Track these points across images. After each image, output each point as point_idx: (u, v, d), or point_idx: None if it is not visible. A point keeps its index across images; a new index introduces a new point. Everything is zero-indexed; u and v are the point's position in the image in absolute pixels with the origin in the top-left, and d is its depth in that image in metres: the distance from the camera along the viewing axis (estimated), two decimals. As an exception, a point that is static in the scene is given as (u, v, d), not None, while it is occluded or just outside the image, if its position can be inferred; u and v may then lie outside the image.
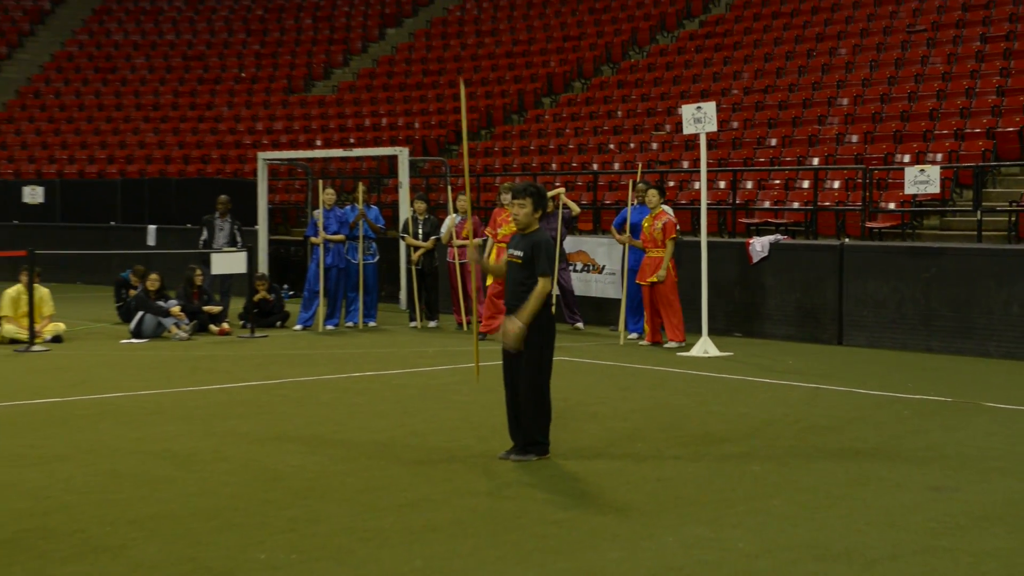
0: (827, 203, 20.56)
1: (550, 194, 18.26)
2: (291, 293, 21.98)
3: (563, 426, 10.38)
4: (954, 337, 15.11)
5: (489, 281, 17.09)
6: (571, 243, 18.58)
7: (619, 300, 17.07)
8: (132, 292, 18.54)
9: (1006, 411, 11.34)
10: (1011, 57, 23.32)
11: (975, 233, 18.11)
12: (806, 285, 16.66)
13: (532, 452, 9.08)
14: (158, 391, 12.55)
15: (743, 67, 27.78)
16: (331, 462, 9.13)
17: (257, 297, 18.23)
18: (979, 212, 18.18)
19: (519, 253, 9.12)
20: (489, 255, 16.89)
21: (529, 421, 9.06)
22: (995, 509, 7.77)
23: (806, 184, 21.36)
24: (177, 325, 17.13)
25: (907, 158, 20.62)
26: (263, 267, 21.74)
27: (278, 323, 18.65)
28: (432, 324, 18.48)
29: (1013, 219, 18.19)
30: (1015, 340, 14.55)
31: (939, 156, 20.37)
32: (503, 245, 16.79)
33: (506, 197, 17.07)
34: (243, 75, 38.06)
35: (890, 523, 7.43)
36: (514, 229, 16.51)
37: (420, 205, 18.71)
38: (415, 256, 18.42)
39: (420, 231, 18.43)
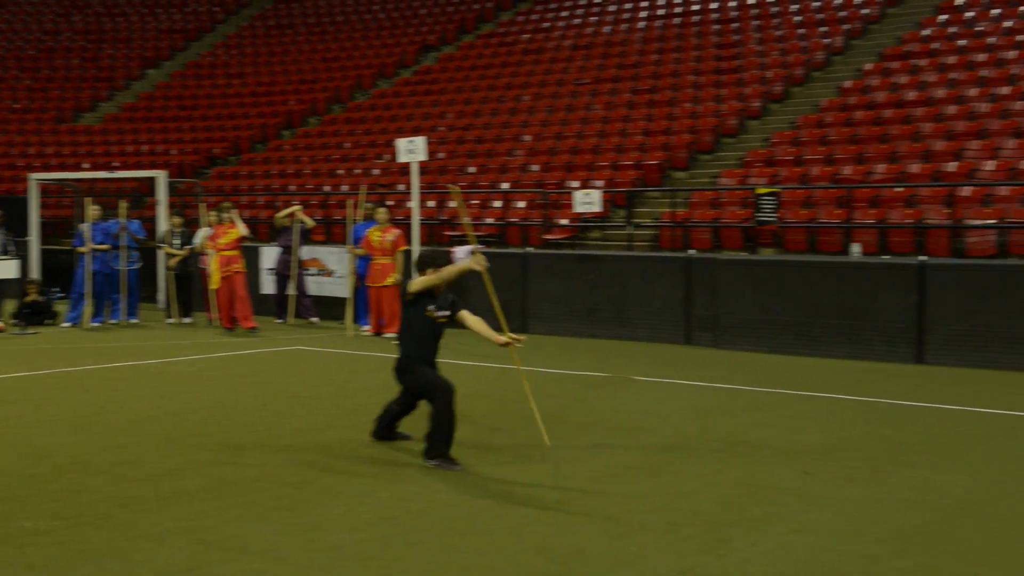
0: (514, 219, 20.97)
1: (287, 212, 18.02)
2: (61, 295, 20.80)
3: (298, 405, 10.20)
4: (612, 325, 15.65)
5: (214, 285, 16.78)
6: (306, 252, 18.37)
7: (346, 299, 16.95)
8: (-88, 296, 17.13)
9: (650, 383, 11.81)
10: (654, 106, 24.36)
11: (628, 243, 18.82)
12: (498, 284, 16.78)
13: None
14: (-64, 383, 11.64)
15: (448, 109, 28.01)
16: (93, 440, 8.67)
17: (28, 299, 17.24)
18: (630, 227, 18.91)
19: (445, 313, 8.38)
20: (213, 264, 16.71)
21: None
22: (639, 460, 8.08)
23: (498, 204, 21.73)
24: (-45, 324, 15.97)
25: (576, 184, 21.24)
26: (36, 273, 20.50)
27: (47, 321, 17.63)
28: (187, 320, 17.94)
29: (655, 233, 19.00)
30: (656, 327, 15.18)
31: (600, 183, 21.05)
32: (225, 253, 16.59)
33: (227, 215, 16.86)
34: (16, 106, 35.75)
35: (559, 474, 7.63)
36: (234, 238, 16.20)
37: (176, 220, 18.53)
38: (172, 263, 17.99)
39: (176, 241, 18.03)
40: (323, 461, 8.07)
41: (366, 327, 16.56)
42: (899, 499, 6.95)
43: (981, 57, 20.99)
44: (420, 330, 8.32)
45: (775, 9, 27.15)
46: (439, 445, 7.89)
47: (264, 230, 23.24)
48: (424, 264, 8.39)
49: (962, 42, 21.88)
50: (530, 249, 17.47)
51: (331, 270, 18.28)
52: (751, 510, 6.71)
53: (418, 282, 8.26)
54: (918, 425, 9.39)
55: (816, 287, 13.89)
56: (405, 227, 16.64)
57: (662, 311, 15.18)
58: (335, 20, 37.91)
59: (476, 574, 5.56)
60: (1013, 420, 9.58)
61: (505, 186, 22.35)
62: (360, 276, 16.64)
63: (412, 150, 15.39)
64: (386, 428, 8.72)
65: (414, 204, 15.95)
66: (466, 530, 6.28)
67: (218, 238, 16.84)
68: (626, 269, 15.71)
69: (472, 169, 24.13)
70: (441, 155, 25.18)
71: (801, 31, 25.42)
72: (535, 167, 23.16)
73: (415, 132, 25.04)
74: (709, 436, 8.96)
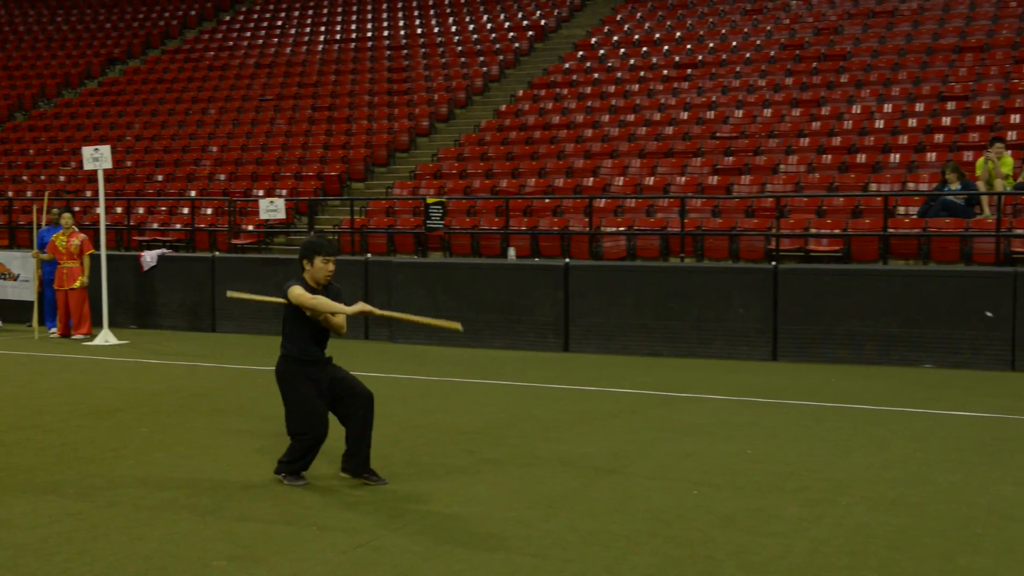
0: (202, 225, 20.19)
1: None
2: None
3: (-22, 407, 9.32)
4: (296, 323, 15.37)
5: None
6: (-12, 256, 16.91)
7: (32, 302, 15.72)
8: None
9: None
10: (333, 122, 24.19)
11: (310, 248, 18.56)
12: (187, 287, 16.23)
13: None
14: None
15: (135, 120, 26.53)
16: None
17: None
18: (312, 232, 18.66)
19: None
20: None
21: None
22: (323, 447, 7.96)
23: (186, 210, 20.82)
24: None
25: (261, 192, 20.75)
26: None
27: None
28: None
29: (337, 236, 18.87)
30: (359, 325, 15.03)
31: (284, 191, 20.68)
32: None
33: None
34: None
35: (247, 463, 7.41)
36: None
37: None
38: None
39: None
40: (4, 461, 7.40)
41: (53, 329, 15.44)
42: (548, 469, 7.26)
43: (612, 88, 22.34)
44: (306, 329, 6.81)
45: (440, 39, 27.68)
46: (288, 461, 6.80)
47: (-58, 235, 21.11)
48: (309, 252, 6.72)
49: (596, 75, 23.21)
50: (218, 253, 16.86)
51: (15, 274, 16.86)
52: (423, 485, 6.78)
53: (297, 296, 6.66)
54: (564, 404, 9.84)
55: (478, 286, 14.27)
56: (92, 232, 15.65)
57: (342, 309, 15.06)
58: (16, 30, 35.00)
59: (161, 562, 5.28)
60: (641, 397, 10.25)
61: (193, 194, 21.48)
62: (47, 280, 15.54)
63: (97, 158, 14.52)
64: (349, 459, 6.94)
65: (101, 210, 15.03)
66: (152, 521, 5.96)
67: None
68: (308, 271, 15.47)
69: (160, 177, 23.04)
70: (128, 163, 23.88)
71: (463, 60, 26.06)
72: (222, 177, 22.41)
73: (101, 141, 23.66)
74: (385, 422, 8.95)
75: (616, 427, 8.80)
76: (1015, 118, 17.40)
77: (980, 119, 17.65)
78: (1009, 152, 15.05)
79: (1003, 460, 7.56)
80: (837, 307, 12.49)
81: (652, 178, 18.11)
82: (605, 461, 7.51)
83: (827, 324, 12.51)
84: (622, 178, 18.37)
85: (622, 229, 16.66)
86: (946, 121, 17.93)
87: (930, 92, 19.00)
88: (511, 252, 16.55)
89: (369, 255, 15.98)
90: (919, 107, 18.65)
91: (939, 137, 17.43)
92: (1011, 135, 16.50)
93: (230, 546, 5.52)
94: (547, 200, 18.09)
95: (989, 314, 11.84)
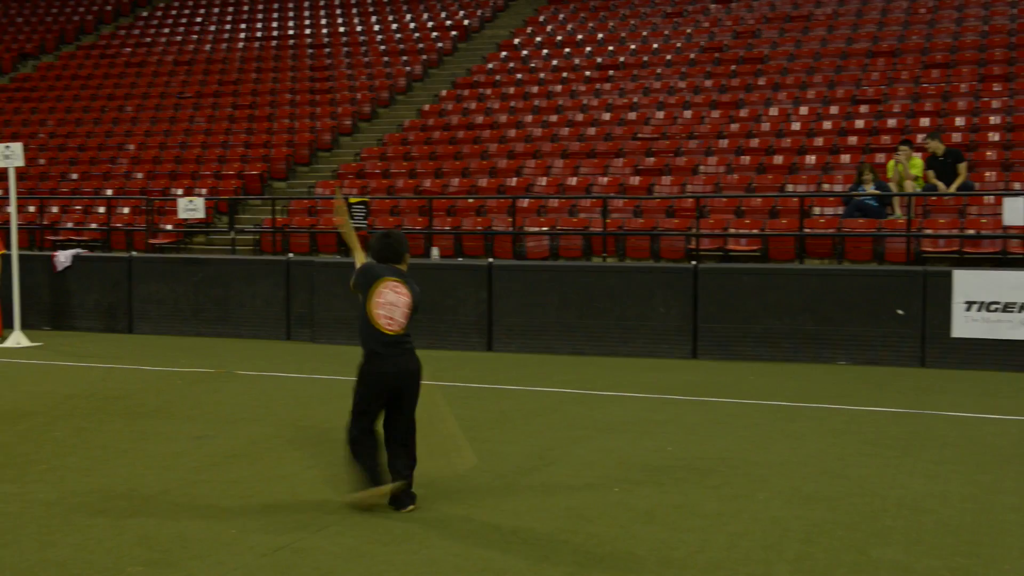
0: (119, 224, 19.75)
1: None
2: None
3: None
4: (216, 324, 15.13)
5: None
6: None
7: (-61, 304, 15.24)
8: None
9: (252, 376, 11.53)
10: (254, 121, 23.85)
11: (231, 247, 18.31)
12: (103, 287, 15.86)
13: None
14: None
15: (48, 116, 25.85)
16: None
17: None
18: (233, 232, 18.41)
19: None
20: None
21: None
22: (241, 448, 7.86)
23: (102, 209, 20.35)
24: None
25: (180, 191, 20.37)
26: None
27: None
28: None
29: (257, 238, 18.63)
30: (259, 324, 14.85)
31: (204, 190, 20.33)
32: None
33: None
34: None
35: (164, 466, 7.26)
36: None
37: None
38: None
39: None
40: (-90, 470, 7.16)
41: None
42: (470, 468, 7.24)
43: (535, 89, 22.43)
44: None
45: (363, 38, 27.49)
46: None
47: None
48: (402, 251, 6.68)
49: (520, 76, 23.28)
50: (135, 253, 16.51)
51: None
52: (344, 487, 6.73)
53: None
54: (486, 404, 9.85)
55: (401, 286, 14.17)
56: (3, 232, 15.20)
57: (264, 310, 14.88)
58: (-76, 22, 33.85)
59: (75, 569, 5.15)
60: (563, 396, 10.30)
61: (109, 193, 21.00)
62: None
63: (9, 155, 14.12)
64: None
65: (12, 209, 14.61)
66: (66, 527, 5.81)
67: None
68: (230, 271, 15.25)
69: (74, 176, 22.47)
70: (42, 161, 23.26)
71: (386, 59, 25.91)
72: (139, 175, 21.95)
73: (13, 138, 22.98)
74: (307, 424, 8.89)
75: (538, 425, 8.83)
76: (924, 121, 17.90)
77: (891, 122, 18.12)
78: (919, 155, 15.47)
79: (913, 454, 7.77)
80: (755, 305, 12.71)
81: (575, 178, 18.21)
82: (526, 459, 7.53)
83: (746, 322, 12.72)
84: (545, 178, 18.45)
85: (545, 229, 16.72)
86: (859, 124, 18.37)
87: (844, 95, 19.44)
88: (434, 252, 16.51)
89: (291, 255, 15.79)
90: (833, 110, 19.06)
91: (853, 139, 17.85)
92: (920, 137, 16.97)
93: (146, 551, 5.41)
94: (470, 200, 18.08)
95: (901, 312, 12.16)
